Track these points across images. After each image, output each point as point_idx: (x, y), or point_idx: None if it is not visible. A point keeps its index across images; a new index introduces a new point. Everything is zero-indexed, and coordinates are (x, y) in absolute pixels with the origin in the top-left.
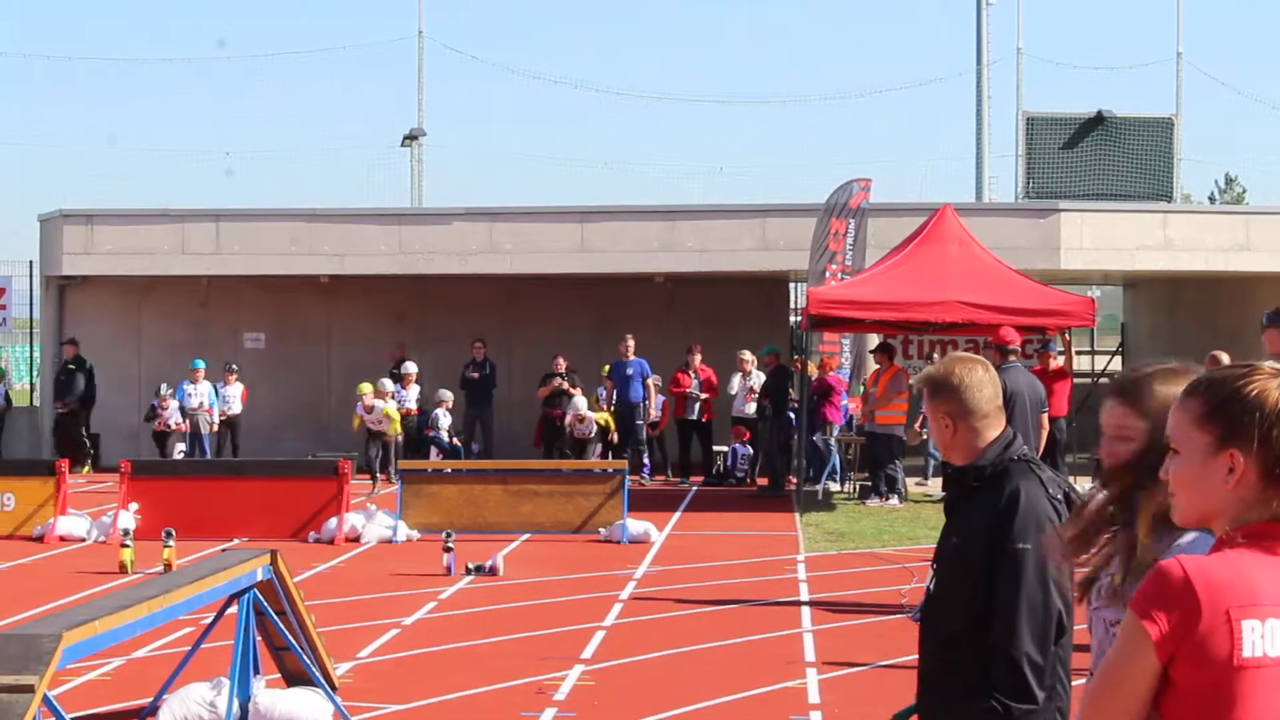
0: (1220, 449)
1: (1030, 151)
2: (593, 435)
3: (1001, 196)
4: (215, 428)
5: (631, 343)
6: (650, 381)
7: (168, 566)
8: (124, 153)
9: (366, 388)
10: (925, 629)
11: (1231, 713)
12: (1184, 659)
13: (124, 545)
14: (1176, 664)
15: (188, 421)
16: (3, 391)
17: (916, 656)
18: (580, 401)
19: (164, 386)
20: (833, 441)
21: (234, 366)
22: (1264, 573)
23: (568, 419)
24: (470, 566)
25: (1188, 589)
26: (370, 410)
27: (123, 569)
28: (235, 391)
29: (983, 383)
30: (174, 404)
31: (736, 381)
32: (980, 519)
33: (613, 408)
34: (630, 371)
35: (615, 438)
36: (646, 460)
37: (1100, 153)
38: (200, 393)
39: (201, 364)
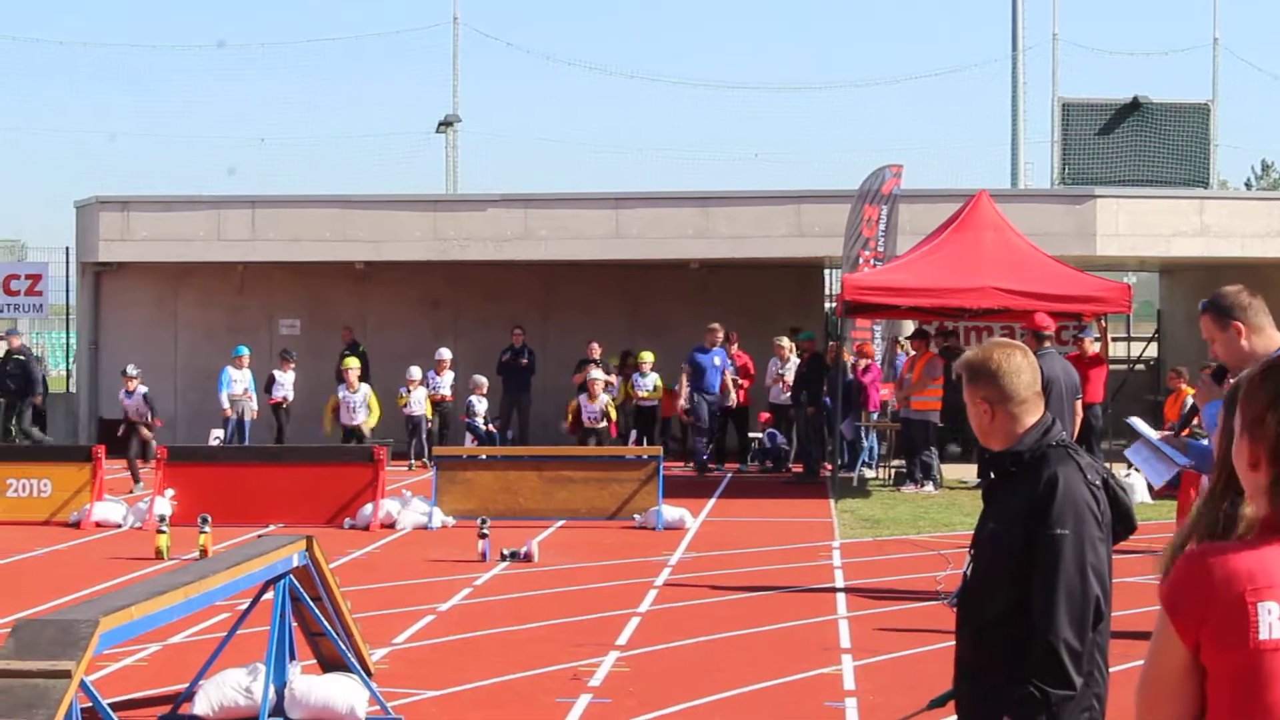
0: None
1: (1066, 138)
2: (601, 425)
3: (1037, 183)
4: (256, 414)
5: (720, 333)
6: (727, 372)
7: (204, 552)
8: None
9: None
10: (963, 615)
11: (1257, 695)
12: (1207, 644)
13: (160, 531)
14: (1203, 650)
15: (233, 408)
16: (41, 378)
17: (953, 643)
18: (597, 375)
19: (131, 367)
20: (865, 428)
21: (291, 354)
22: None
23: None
24: (505, 553)
25: (1204, 576)
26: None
27: (159, 555)
28: (290, 379)
29: (1021, 368)
30: (139, 389)
31: (772, 368)
32: (1018, 505)
33: (688, 395)
34: (716, 360)
35: (614, 429)
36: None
37: (1136, 139)
38: (244, 379)
39: (245, 350)
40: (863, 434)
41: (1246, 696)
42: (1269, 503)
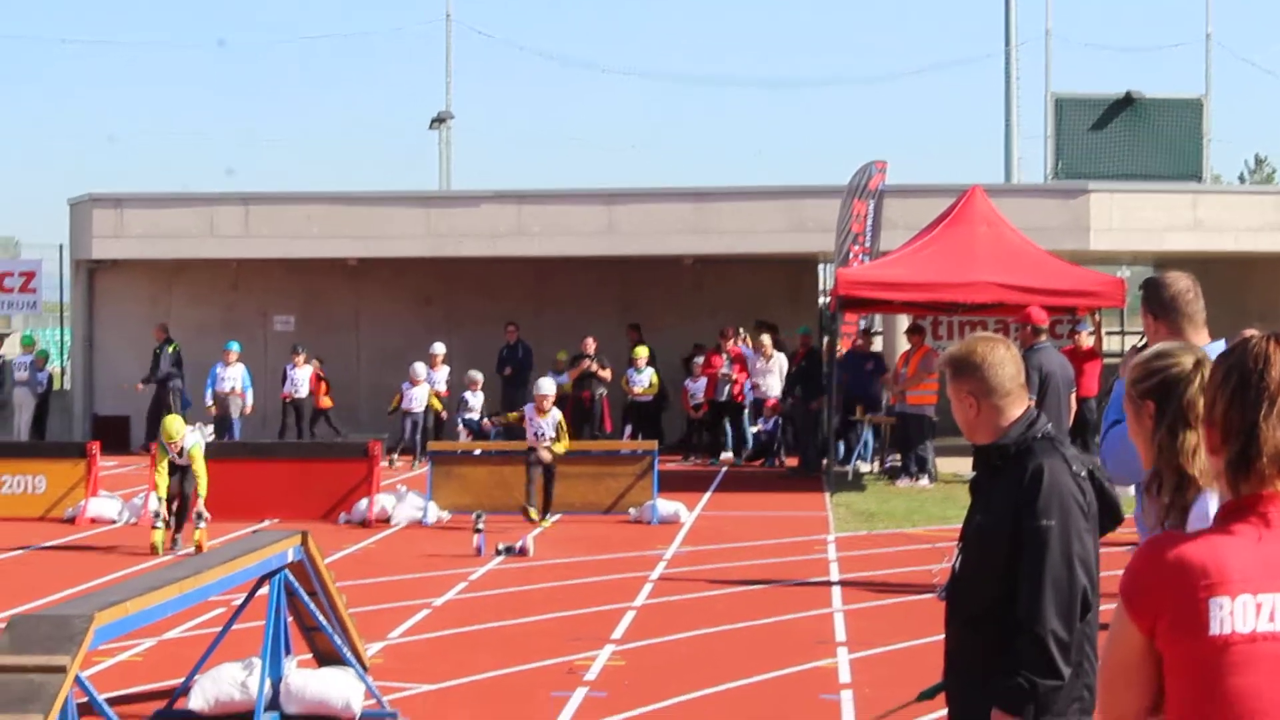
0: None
1: (1059, 132)
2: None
3: (1030, 178)
4: (248, 410)
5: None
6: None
7: (199, 548)
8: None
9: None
10: (951, 608)
11: (1212, 686)
12: (1162, 635)
13: (155, 527)
14: (1158, 639)
15: (216, 406)
16: (46, 376)
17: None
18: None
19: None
20: (859, 423)
21: (300, 349)
22: (1235, 550)
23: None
24: (501, 547)
25: (1160, 569)
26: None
27: (154, 550)
28: (304, 374)
29: (1004, 360)
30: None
31: (759, 364)
32: (1004, 498)
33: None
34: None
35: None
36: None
37: (1129, 134)
38: (233, 376)
39: (236, 346)
40: (858, 429)
41: (1202, 687)
42: (1227, 485)
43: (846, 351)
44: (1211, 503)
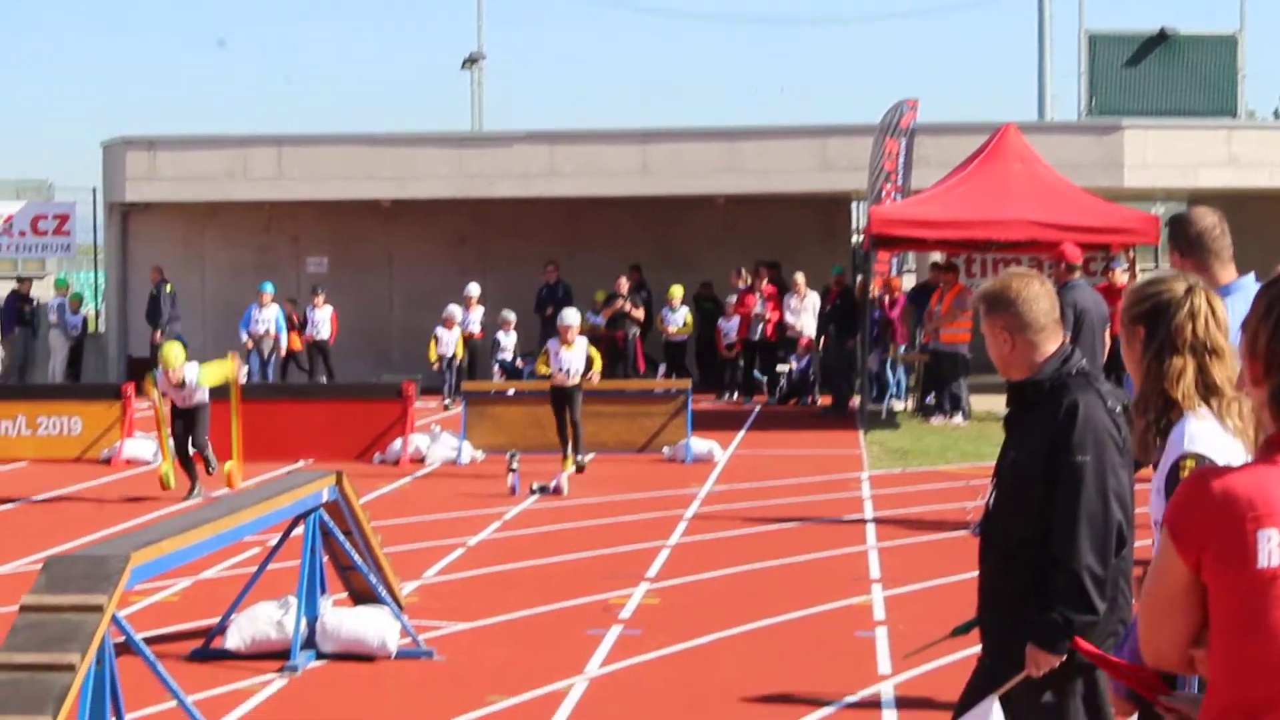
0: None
1: (1093, 69)
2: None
3: (1064, 115)
4: (284, 352)
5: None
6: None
7: (229, 480)
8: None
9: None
10: (985, 544)
11: (1258, 619)
12: (1208, 567)
13: (163, 461)
14: (1204, 571)
15: (250, 343)
16: (80, 319)
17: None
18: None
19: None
20: (892, 361)
21: (320, 290)
22: None
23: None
24: (535, 487)
25: (1206, 500)
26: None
27: (163, 484)
28: (324, 315)
29: (1039, 296)
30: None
31: (793, 302)
32: (1039, 433)
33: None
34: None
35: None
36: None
37: (1163, 70)
38: (267, 318)
39: (270, 287)
40: (890, 368)
41: (1247, 619)
42: (1271, 417)
43: (914, 287)
44: (1190, 425)
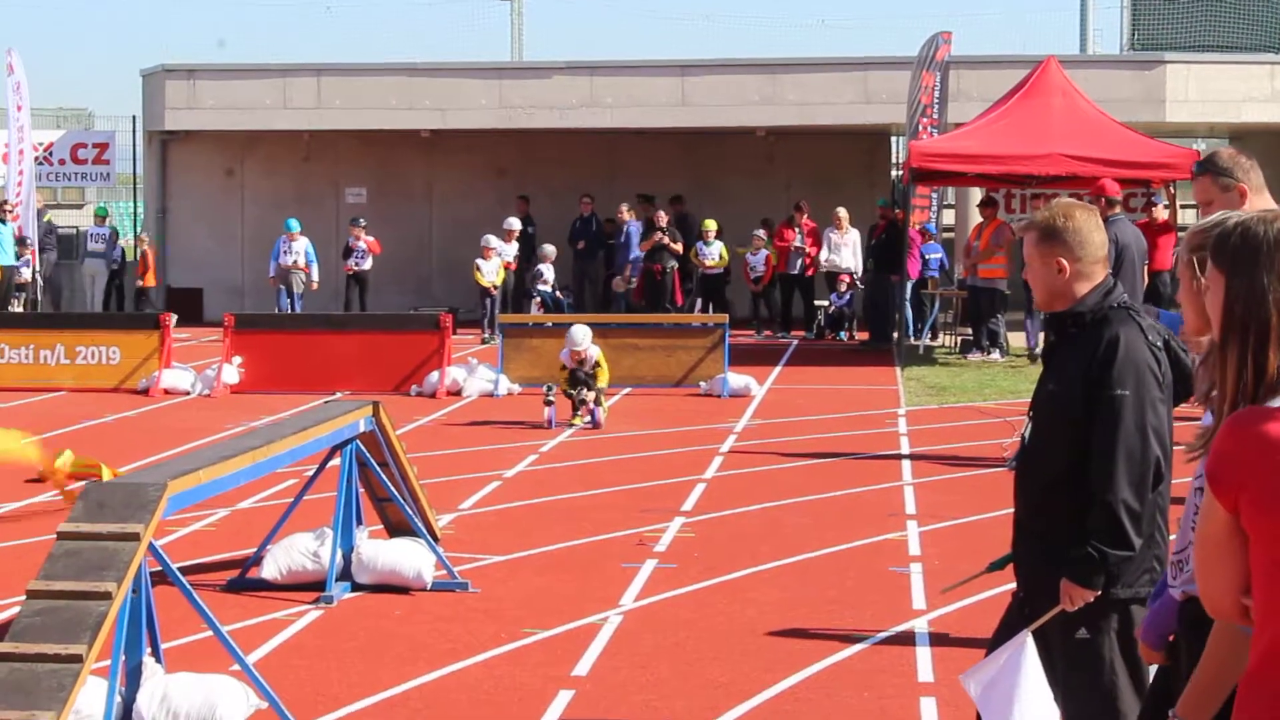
0: None
1: (1135, 3)
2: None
3: (1106, 49)
4: (314, 286)
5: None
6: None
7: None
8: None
9: None
10: (1021, 478)
11: None
12: (1246, 510)
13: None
14: (1242, 515)
15: (277, 279)
16: (120, 251)
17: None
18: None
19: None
20: (928, 295)
21: (360, 221)
22: None
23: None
24: (576, 419)
25: (1244, 443)
26: None
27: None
28: (364, 246)
29: (1095, 227)
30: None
31: (834, 237)
32: (1078, 365)
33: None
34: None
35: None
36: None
37: (1207, 3)
38: (297, 250)
39: (295, 224)
40: (925, 302)
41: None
42: None
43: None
44: None
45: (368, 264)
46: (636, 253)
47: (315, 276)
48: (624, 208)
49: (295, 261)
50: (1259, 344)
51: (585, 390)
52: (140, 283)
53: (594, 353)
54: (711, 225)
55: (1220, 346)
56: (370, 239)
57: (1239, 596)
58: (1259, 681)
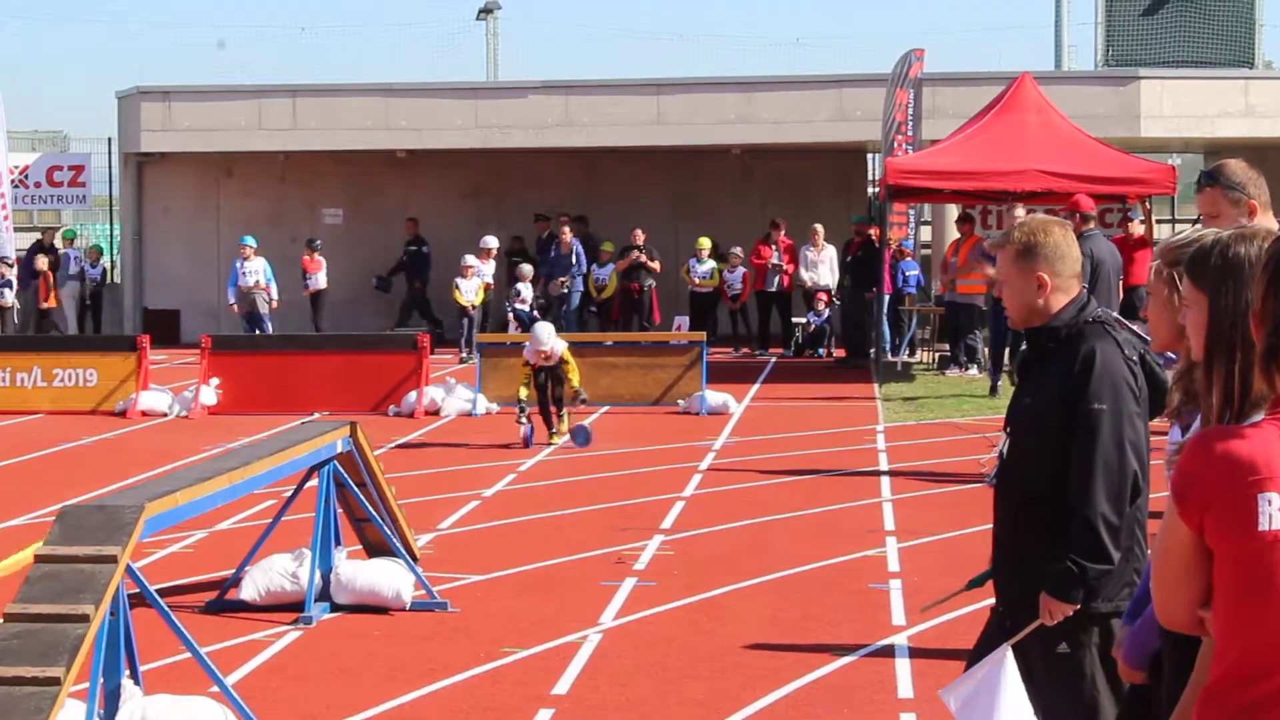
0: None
1: (1110, 19)
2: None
3: (1081, 65)
4: (275, 305)
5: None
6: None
7: None
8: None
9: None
10: (1000, 493)
11: (1261, 583)
12: (1211, 531)
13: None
14: (1207, 536)
15: (239, 304)
16: (100, 270)
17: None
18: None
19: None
20: (905, 312)
21: (316, 243)
22: None
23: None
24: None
25: (1209, 463)
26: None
27: None
28: (320, 269)
29: (1072, 243)
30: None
31: (810, 254)
32: (1055, 380)
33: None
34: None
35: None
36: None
37: (1180, 20)
38: (254, 270)
39: (251, 240)
40: (902, 318)
41: (1249, 583)
42: (1263, 376)
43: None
44: None
45: (323, 283)
46: (580, 267)
47: (275, 295)
48: (565, 229)
49: (256, 282)
50: (1245, 364)
51: (552, 403)
52: (44, 303)
53: (559, 348)
54: (705, 243)
55: (1206, 365)
56: (322, 261)
57: (1196, 610)
58: (1220, 696)
